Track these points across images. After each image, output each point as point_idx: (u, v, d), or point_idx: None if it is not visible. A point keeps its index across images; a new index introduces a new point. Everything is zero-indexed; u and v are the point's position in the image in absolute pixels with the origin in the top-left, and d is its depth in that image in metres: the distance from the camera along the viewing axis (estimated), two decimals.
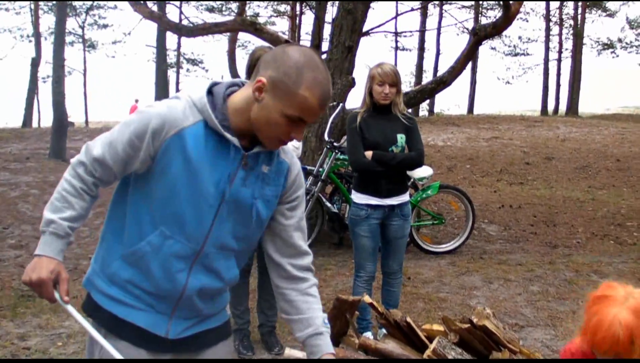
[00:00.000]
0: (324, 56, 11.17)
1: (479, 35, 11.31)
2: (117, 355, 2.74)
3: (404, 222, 6.41)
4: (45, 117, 51.29)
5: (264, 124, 2.65)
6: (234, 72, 17.60)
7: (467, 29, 46.25)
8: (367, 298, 5.30)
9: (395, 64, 48.06)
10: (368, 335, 6.11)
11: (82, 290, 2.93)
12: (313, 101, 2.61)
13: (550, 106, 49.11)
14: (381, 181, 6.26)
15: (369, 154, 6.20)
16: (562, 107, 47.77)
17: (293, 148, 6.40)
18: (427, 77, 42.01)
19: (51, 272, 2.71)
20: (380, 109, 6.27)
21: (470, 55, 11.61)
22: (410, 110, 6.60)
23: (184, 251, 2.77)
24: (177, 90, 46.03)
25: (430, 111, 41.04)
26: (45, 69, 41.62)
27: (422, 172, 9.49)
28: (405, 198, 6.41)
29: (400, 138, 6.27)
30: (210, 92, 2.76)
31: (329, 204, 9.76)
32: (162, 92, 39.54)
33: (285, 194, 2.95)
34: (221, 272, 2.93)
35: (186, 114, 2.67)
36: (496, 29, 11.68)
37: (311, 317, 3.00)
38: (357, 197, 6.34)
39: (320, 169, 9.38)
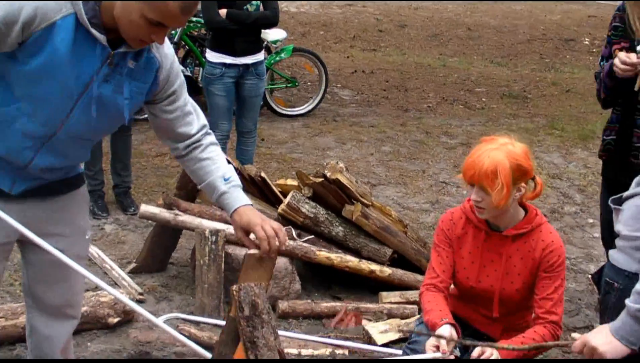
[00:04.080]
0: None
1: None
2: None
3: (258, 81, 6.44)
4: None
5: (125, 23, 2.55)
6: None
7: None
8: None
9: None
10: None
11: None
12: (174, 7, 2.49)
13: None
14: (236, 40, 6.24)
15: (223, 12, 6.14)
16: None
17: None
18: None
19: None
20: None
21: None
22: None
23: (36, 132, 2.72)
24: None
25: None
26: None
27: (275, 34, 9.39)
28: (260, 57, 6.43)
29: None
30: None
31: (182, 68, 9.55)
32: None
33: (159, 92, 2.87)
34: (70, 156, 2.92)
35: (59, 5, 2.55)
36: None
37: (212, 180, 2.95)
38: (212, 56, 6.29)
39: (173, 32, 9.13)
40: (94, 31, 2.58)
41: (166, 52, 2.84)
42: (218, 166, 2.98)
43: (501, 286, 3.43)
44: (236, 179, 2.98)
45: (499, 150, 3.20)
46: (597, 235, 6.36)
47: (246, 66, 6.33)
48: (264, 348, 2.53)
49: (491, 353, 3.17)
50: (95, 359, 3.44)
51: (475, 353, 3.20)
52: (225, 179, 2.94)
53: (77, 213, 3.14)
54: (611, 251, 2.79)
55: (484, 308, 3.54)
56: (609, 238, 3.52)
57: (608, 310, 2.77)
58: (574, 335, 2.78)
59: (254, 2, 6.24)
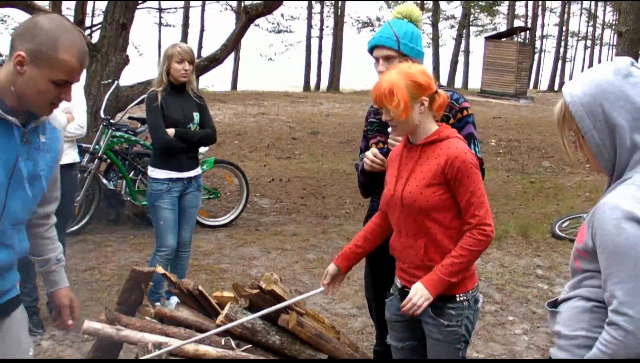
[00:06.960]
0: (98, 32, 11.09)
1: (251, 14, 11.62)
2: None
3: (198, 192, 6.82)
4: None
5: (33, 94, 2.76)
6: None
7: (231, 6, 46.61)
8: (159, 269, 5.47)
9: (160, 40, 48.09)
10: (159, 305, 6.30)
11: None
12: (74, 62, 2.76)
13: (313, 82, 50.43)
14: (181, 156, 6.57)
15: (171, 131, 6.47)
16: (324, 83, 49.16)
17: (77, 127, 6.50)
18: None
19: None
20: (176, 88, 6.56)
21: (242, 33, 11.92)
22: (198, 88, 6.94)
23: None
24: None
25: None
26: None
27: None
28: (199, 170, 6.82)
29: (196, 116, 6.65)
30: None
31: (105, 181, 9.76)
32: None
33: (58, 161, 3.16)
34: (15, 246, 3.05)
35: None
36: (268, 8, 12.04)
37: (48, 258, 3.47)
38: (157, 173, 6.56)
39: (97, 147, 9.37)
40: (8, 117, 2.79)
41: (59, 121, 3.19)
42: (55, 247, 3.49)
43: (405, 184, 3.81)
44: (63, 259, 3.55)
45: (395, 73, 3.69)
46: (519, 331, 6.69)
47: (189, 179, 6.64)
48: None
49: (415, 292, 3.72)
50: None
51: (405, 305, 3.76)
52: (57, 260, 3.49)
53: (20, 332, 3.27)
54: (552, 350, 2.98)
55: (405, 235, 3.87)
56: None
57: None
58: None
59: (196, 121, 6.62)
